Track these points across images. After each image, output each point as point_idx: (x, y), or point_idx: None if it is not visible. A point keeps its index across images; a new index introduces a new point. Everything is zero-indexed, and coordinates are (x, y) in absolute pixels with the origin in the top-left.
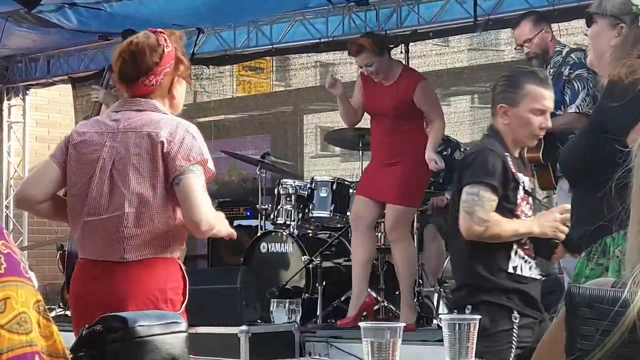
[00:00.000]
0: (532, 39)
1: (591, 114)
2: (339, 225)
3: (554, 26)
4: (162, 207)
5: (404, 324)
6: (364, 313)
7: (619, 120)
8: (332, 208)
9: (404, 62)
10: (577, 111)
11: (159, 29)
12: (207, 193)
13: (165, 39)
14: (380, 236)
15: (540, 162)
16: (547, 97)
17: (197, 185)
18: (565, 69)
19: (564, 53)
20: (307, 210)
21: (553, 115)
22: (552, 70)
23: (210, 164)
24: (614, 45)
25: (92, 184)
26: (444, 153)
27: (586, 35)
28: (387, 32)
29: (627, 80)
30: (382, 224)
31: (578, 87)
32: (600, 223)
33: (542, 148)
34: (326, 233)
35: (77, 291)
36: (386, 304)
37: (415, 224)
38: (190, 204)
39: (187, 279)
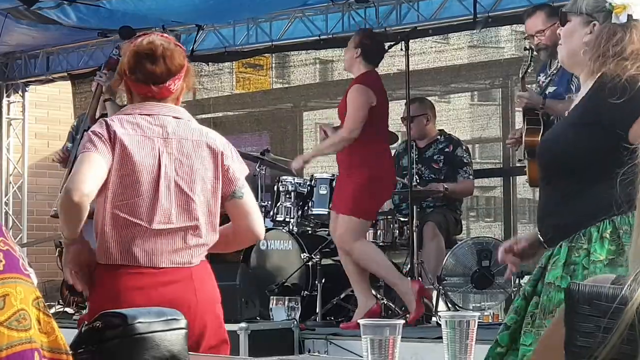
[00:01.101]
0: (545, 30)
1: (580, 108)
2: None
3: None
4: (218, 217)
5: (403, 322)
6: None
7: (622, 116)
8: (331, 205)
9: (405, 59)
10: None
11: (164, 34)
12: None
13: (179, 44)
14: (380, 233)
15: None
16: None
17: (253, 200)
18: None
19: None
20: (306, 208)
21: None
22: (559, 64)
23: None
24: (586, 42)
25: (159, 191)
26: (446, 150)
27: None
28: (387, 29)
29: (626, 77)
30: (380, 222)
31: None
32: (583, 213)
33: (541, 132)
34: (326, 230)
35: (140, 299)
36: (385, 302)
37: (414, 221)
38: (255, 215)
39: None
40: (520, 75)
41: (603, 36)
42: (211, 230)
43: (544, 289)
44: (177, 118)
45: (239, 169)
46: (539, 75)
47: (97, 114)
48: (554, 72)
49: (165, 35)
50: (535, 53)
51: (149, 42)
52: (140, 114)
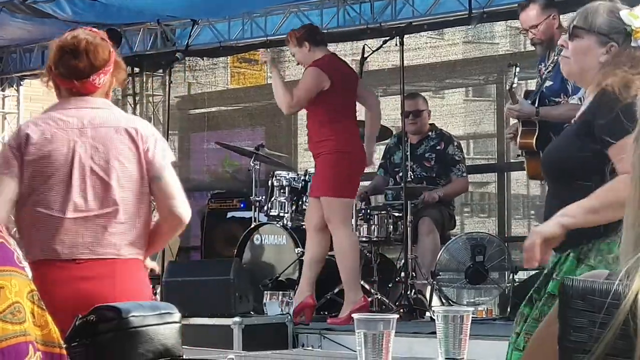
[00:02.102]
0: (539, 25)
1: (582, 118)
2: None
3: None
4: (146, 203)
5: (397, 316)
6: (301, 314)
7: (604, 136)
8: (309, 192)
9: (399, 55)
10: (580, 102)
11: (89, 27)
12: None
13: (106, 38)
14: (374, 229)
15: (532, 149)
16: None
17: (175, 178)
18: None
19: None
20: (300, 202)
21: (553, 103)
22: (555, 57)
23: None
24: (602, 62)
25: (72, 181)
26: (437, 147)
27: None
28: (382, 24)
29: (621, 96)
30: (374, 217)
31: None
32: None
33: (536, 134)
34: None
35: (59, 293)
36: (379, 297)
37: (408, 217)
38: (176, 197)
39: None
40: (507, 89)
41: (622, 59)
42: (137, 214)
43: (546, 298)
44: (97, 109)
45: (161, 153)
46: (540, 65)
47: None
48: (551, 65)
49: (94, 29)
50: (518, 70)
51: (72, 36)
52: (57, 109)
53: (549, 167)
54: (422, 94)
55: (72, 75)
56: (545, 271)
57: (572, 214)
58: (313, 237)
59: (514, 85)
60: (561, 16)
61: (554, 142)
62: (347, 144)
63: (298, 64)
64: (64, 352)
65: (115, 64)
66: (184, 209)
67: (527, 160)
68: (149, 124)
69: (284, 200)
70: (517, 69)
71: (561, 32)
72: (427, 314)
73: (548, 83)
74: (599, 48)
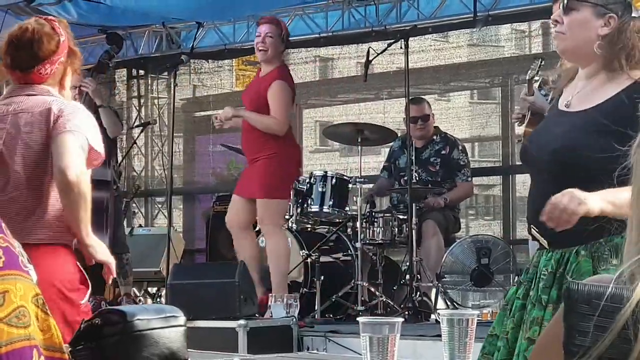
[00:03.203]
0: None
1: (609, 110)
2: (337, 220)
3: None
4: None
5: (402, 320)
6: None
7: None
8: (330, 203)
9: (404, 57)
10: None
11: (48, 16)
12: (85, 159)
13: (59, 27)
14: (379, 231)
15: None
16: None
17: (72, 141)
18: None
19: None
20: (305, 205)
21: None
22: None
23: (97, 146)
24: (604, 36)
25: None
26: (442, 152)
27: None
28: (387, 27)
29: None
30: (379, 219)
31: None
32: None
33: None
34: (325, 228)
35: None
36: (384, 299)
37: (413, 219)
38: (60, 152)
39: (83, 270)
40: (527, 78)
41: (626, 32)
42: (47, 198)
43: None
44: (32, 95)
45: (65, 123)
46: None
47: None
48: None
49: (49, 17)
50: (543, 63)
51: (20, 26)
52: (4, 97)
53: (556, 162)
54: (427, 96)
55: (15, 66)
56: (548, 269)
57: (621, 203)
58: (241, 237)
59: (535, 79)
60: None
61: (568, 132)
62: (285, 149)
63: (261, 47)
64: (65, 356)
65: (70, 52)
66: (67, 165)
67: None
68: (73, 105)
69: (289, 203)
70: (542, 62)
71: None
72: (432, 316)
73: None
74: (597, 20)
